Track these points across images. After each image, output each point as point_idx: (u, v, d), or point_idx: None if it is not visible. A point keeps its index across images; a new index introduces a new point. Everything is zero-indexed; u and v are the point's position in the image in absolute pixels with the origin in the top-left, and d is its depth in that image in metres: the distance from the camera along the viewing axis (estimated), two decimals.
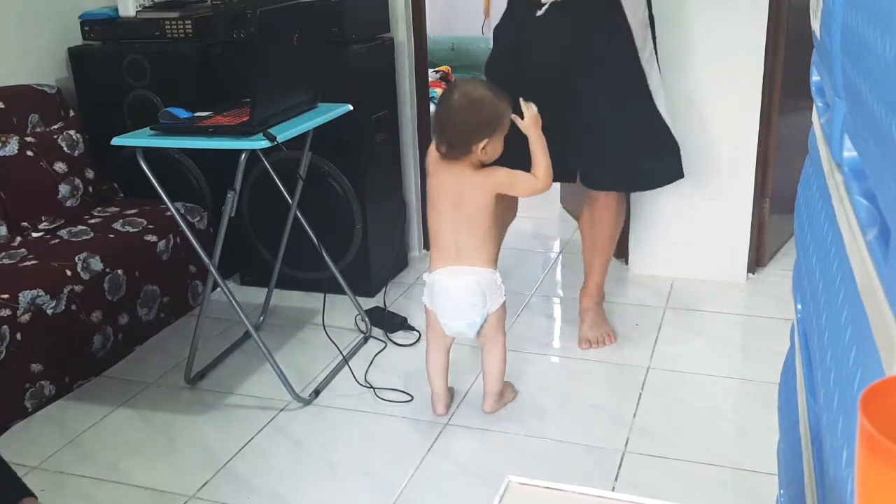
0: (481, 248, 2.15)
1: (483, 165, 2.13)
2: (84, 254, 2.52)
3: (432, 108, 2.89)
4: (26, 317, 2.28)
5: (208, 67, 3.02)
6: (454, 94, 2.10)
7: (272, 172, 2.67)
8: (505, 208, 2.46)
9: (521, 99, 2.15)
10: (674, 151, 2.54)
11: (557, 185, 4.12)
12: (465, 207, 2.13)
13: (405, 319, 2.84)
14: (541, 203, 3.94)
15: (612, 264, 3.23)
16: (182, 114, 2.32)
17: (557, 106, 2.38)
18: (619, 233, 2.72)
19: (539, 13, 2.40)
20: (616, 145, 2.47)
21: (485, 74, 2.64)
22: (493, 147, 2.10)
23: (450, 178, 2.13)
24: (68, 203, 2.84)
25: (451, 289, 2.13)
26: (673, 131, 2.52)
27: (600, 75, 2.42)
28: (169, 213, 2.60)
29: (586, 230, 2.70)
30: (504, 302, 2.21)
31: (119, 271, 2.60)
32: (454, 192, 2.13)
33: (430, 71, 4.18)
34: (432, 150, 2.17)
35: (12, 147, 2.69)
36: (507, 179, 2.13)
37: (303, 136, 2.45)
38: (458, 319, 2.16)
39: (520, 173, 2.13)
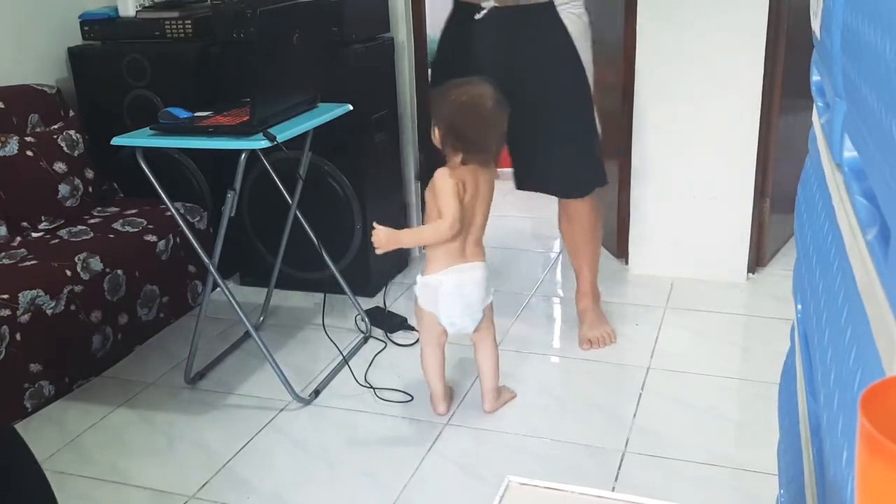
0: (481, 244, 2.19)
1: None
2: (84, 254, 2.52)
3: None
4: (26, 317, 2.28)
5: (208, 67, 3.02)
6: (488, 101, 2.07)
7: (272, 172, 2.68)
8: None
9: (374, 224, 2.11)
10: (600, 159, 2.56)
11: None
12: (483, 204, 2.15)
13: (405, 319, 2.84)
14: (541, 203, 3.94)
15: (613, 264, 3.23)
16: (182, 114, 2.32)
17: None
18: (601, 229, 2.71)
19: (478, 16, 2.41)
20: (553, 153, 2.49)
21: (430, 72, 2.68)
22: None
23: (474, 183, 2.11)
24: (68, 203, 2.84)
25: (463, 286, 2.13)
26: (600, 138, 2.53)
27: (541, 82, 2.43)
28: (169, 213, 2.60)
29: (566, 235, 2.69)
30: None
31: (119, 271, 2.60)
32: (479, 194, 2.13)
33: (430, 71, 4.18)
34: (456, 176, 2.08)
35: (12, 147, 2.69)
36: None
37: (303, 136, 2.45)
38: (465, 317, 2.16)
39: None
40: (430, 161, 2.38)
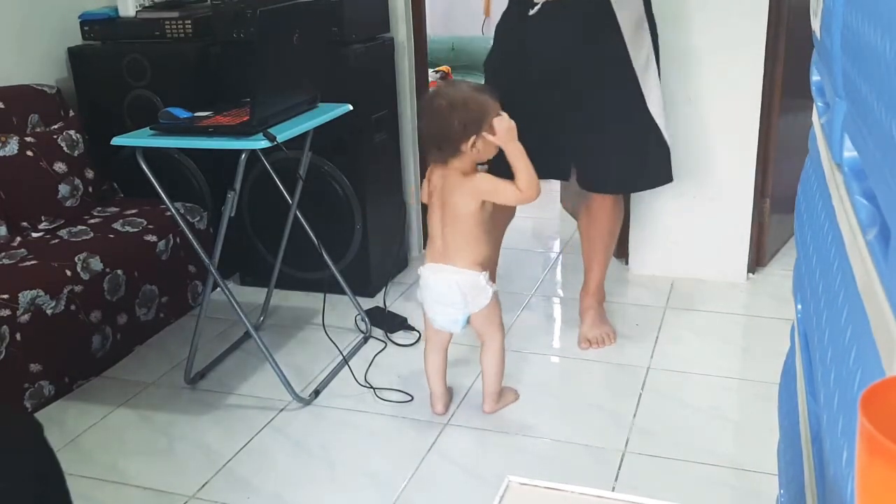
0: (465, 250, 2.15)
1: (479, 164, 2.14)
2: (84, 254, 2.52)
3: None
4: (26, 317, 2.28)
5: (208, 67, 3.02)
6: (435, 99, 2.09)
7: (272, 172, 2.67)
8: (501, 210, 2.44)
9: (497, 111, 2.10)
10: (664, 155, 2.55)
11: (558, 185, 4.12)
12: (450, 210, 2.14)
13: (405, 319, 2.84)
14: (541, 203, 3.93)
15: (612, 264, 3.23)
16: (182, 114, 2.32)
17: (551, 105, 2.46)
18: (618, 232, 2.73)
19: (531, 12, 2.42)
20: (606, 148, 2.49)
21: (483, 71, 2.67)
22: (484, 144, 2.07)
23: (439, 180, 2.15)
24: (68, 203, 2.84)
25: (431, 284, 2.17)
26: (666, 136, 2.52)
27: (592, 78, 2.44)
28: (169, 213, 2.60)
29: (584, 230, 2.71)
30: (490, 303, 2.17)
31: (119, 271, 2.60)
32: (442, 194, 2.15)
33: (430, 71, 4.19)
34: (431, 170, 2.20)
35: (12, 147, 2.69)
36: (489, 187, 2.11)
37: (303, 136, 2.45)
38: (439, 314, 2.19)
39: (503, 183, 2.10)
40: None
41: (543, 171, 2.41)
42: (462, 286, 2.14)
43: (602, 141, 2.49)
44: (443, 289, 2.15)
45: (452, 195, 2.12)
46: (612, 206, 2.63)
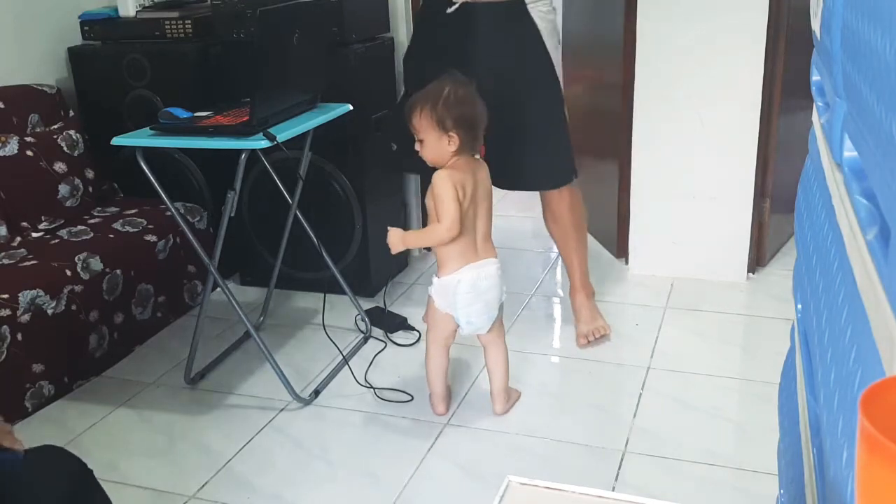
0: (490, 240, 2.19)
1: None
2: (84, 254, 2.52)
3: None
4: (26, 317, 2.28)
5: (208, 67, 3.02)
6: (469, 88, 2.10)
7: (272, 172, 2.68)
8: None
9: (388, 227, 2.18)
10: (569, 153, 2.61)
11: None
12: (483, 201, 2.15)
13: (405, 319, 2.84)
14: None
15: (613, 264, 3.23)
16: (182, 114, 2.32)
17: None
18: (585, 223, 2.74)
19: (450, 10, 2.45)
20: (521, 148, 2.53)
21: (403, 65, 2.74)
22: None
23: (471, 174, 2.12)
24: (68, 203, 2.84)
25: (479, 282, 2.13)
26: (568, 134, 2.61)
27: (511, 79, 2.47)
28: (169, 213, 2.60)
29: (553, 230, 2.73)
30: None
31: (118, 271, 2.60)
32: (475, 187, 2.13)
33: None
34: (451, 177, 2.07)
35: (12, 147, 2.69)
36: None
37: (303, 136, 2.45)
38: (483, 315, 2.17)
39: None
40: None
41: None
42: (500, 276, 2.18)
43: (528, 142, 2.53)
44: (487, 284, 2.14)
45: (483, 185, 2.14)
46: (569, 197, 2.64)
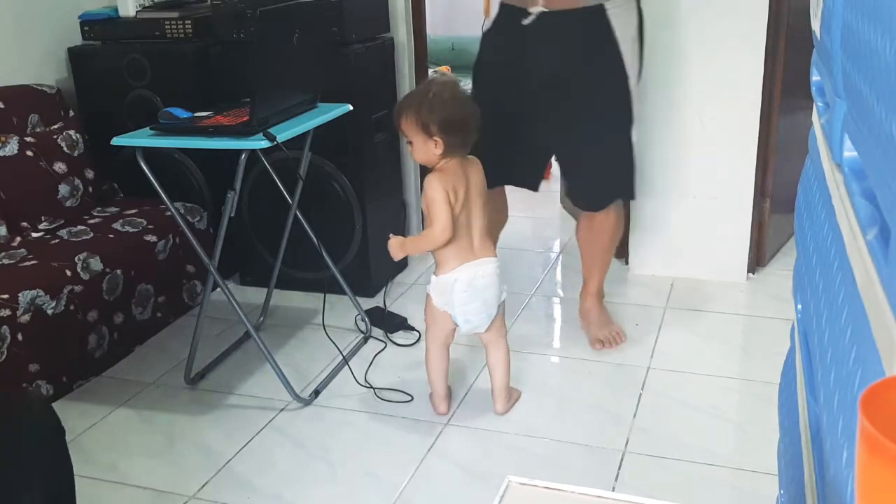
0: (488, 237, 2.20)
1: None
2: (84, 254, 2.52)
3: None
4: (26, 317, 2.28)
5: (208, 67, 3.01)
6: (455, 89, 2.11)
7: (272, 172, 2.68)
8: (495, 217, 2.51)
9: (389, 234, 2.21)
10: (630, 173, 2.53)
11: (558, 185, 4.12)
12: (477, 201, 2.15)
13: (405, 319, 2.84)
14: (541, 203, 3.94)
15: (612, 264, 3.23)
16: (182, 114, 2.32)
17: (542, 118, 2.43)
18: (619, 239, 2.72)
19: (525, 22, 2.33)
20: (598, 167, 2.49)
21: (472, 79, 2.59)
22: None
23: (463, 174, 2.13)
24: (68, 203, 2.84)
25: (476, 280, 2.14)
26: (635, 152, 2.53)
27: (585, 97, 2.39)
28: (169, 213, 2.60)
29: (584, 243, 2.67)
30: None
31: (119, 271, 2.60)
32: (467, 187, 2.14)
33: (430, 71, 4.18)
34: (441, 180, 2.08)
35: (12, 147, 2.69)
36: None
37: (303, 136, 2.45)
38: (481, 314, 2.17)
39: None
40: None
41: (519, 179, 2.65)
42: (499, 275, 2.19)
43: (594, 159, 2.47)
44: (485, 282, 2.15)
45: (476, 185, 2.15)
46: (615, 219, 2.60)
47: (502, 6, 2.44)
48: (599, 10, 2.31)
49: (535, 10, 2.31)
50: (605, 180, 2.53)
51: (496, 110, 2.33)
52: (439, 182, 2.07)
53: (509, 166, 2.55)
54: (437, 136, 2.05)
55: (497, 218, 2.65)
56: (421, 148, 2.09)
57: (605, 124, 2.44)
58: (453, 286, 2.13)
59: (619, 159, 2.50)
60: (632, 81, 2.39)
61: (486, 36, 2.53)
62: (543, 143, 2.54)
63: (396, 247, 2.19)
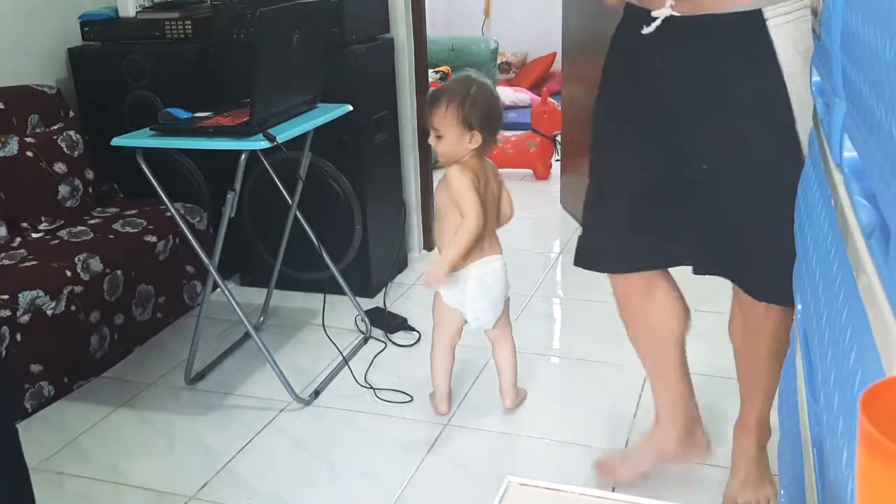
0: (496, 236, 2.21)
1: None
2: (84, 254, 2.52)
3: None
4: (26, 317, 2.28)
5: (208, 67, 3.02)
6: (485, 85, 2.12)
7: (272, 173, 2.68)
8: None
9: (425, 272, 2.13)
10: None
11: (557, 185, 4.12)
12: (493, 198, 2.17)
13: (405, 320, 2.84)
14: (541, 203, 3.94)
15: None
16: (182, 114, 2.32)
17: (666, 165, 1.67)
18: (786, 349, 1.70)
19: (646, 30, 1.59)
20: (771, 240, 1.56)
21: (593, 123, 1.82)
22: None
23: (480, 172, 2.14)
24: (68, 203, 2.84)
25: (486, 278, 2.16)
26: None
27: (731, 139, 1.58)
28: (169, 214, 2.60)
29: (740, 345, 1.88)
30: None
31: (119, 272, 2.60)
32: (487, 185, 2.15)
33: (430, 71, 4.19)
34: (468, 172, 2.08)
35: (12, 147, 2.69)
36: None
37: (303, 136, 2.45)
38: (489, 311, 2.19)
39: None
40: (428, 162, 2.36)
41: (661, 260, 1.82)
42: (506, 272, 2.20)
43: (763, 229, 1.61)
44: (494, 280, 2.17)
45: (491, 183, 2.16)
46: (781, 317, 1.70)
47: (627, 8, 1.69)
48: (755, 18, 1.49)
49: (661, 12, 1.55)
50: (770, 261, 1.57)
51: (620, 160, 1.72)
52: (463, 172, 2.09)
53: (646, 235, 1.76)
54: (475, 131, 2.08)
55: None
56: (455, 141, 2.09)
57: (764, 185, 1.59)
58: (465, 284, 2.16)
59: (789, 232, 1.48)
60: (800, 120, 1.52)
61: (611, 46, 1.75)
62: (684, 204, 1.69)
63: (437, 272, 2.10)
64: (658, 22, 1.56)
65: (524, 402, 2.36)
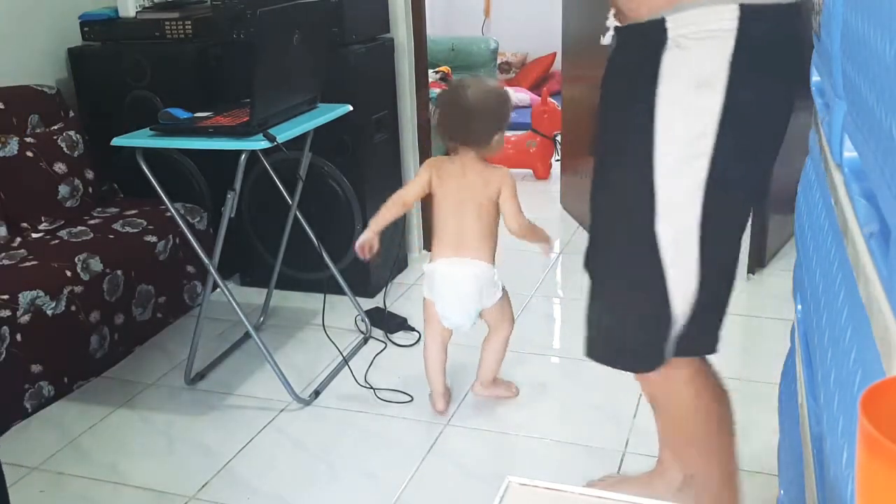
0: (483, 243, 2.18)
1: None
2: (84, 254, 2.52)
3: (432, 108, 2.90)
4: (26, 317, 2.28)
5: (208, 67, 3.02)
6: (468, 90, 2.12)
7: (272, 173, 2.68)
8: None
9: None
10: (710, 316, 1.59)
11: (557, 185, 4.13)
12: (472, 202, 2.15)
13: (405, 320, 2.84)
14: (541, 203, 3.94)
15: None
16: (182, 114, 2.32)
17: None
18: (700, 412, 1.73)
19: (603, 41, 1.71)
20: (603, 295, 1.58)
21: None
22: (501, 138, 2.17)
23: (456, 172, 2.16)
24: (68, 203, 2.84)
25: (449, 278, 2.17)
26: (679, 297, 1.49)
27: (605, 169, 1.48)
28: (169, 214, 2.60)
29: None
30: (502, 298, 2.24)
31: (119, 272, 2.60)
32: (458, 186, 2.16)
33: (430, 71, 4.19)
34: (433, 163, 2.23)
35: (12, 147, 2.69)
36: (512, 185, 2.16)
37: (303, 136, 2.45)
38: (456, 311, 2.19)
39: (516, 198, 2.16)
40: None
41: None
42: (480, 279, 2.17)
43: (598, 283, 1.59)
44: (463, 283, 2.16)
45: (474, 187, 2.15)
46: (680, 378, 1.60)
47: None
48: (657, 33, 1.28)
49: (611, 23, 1.47)
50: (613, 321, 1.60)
51: None
52: (426, 164, 2.23)
53: None
54: (451, 142, 2.17)
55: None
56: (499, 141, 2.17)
57: (619, 224, 1.49)
58: (433, 276, 2.19)
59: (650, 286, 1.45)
60: (660, 170, 1.33)
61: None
62: None
63: (365, 233, 2.32)
64: (611, 32, 1.43)
65: (520, 402, 2.36)
